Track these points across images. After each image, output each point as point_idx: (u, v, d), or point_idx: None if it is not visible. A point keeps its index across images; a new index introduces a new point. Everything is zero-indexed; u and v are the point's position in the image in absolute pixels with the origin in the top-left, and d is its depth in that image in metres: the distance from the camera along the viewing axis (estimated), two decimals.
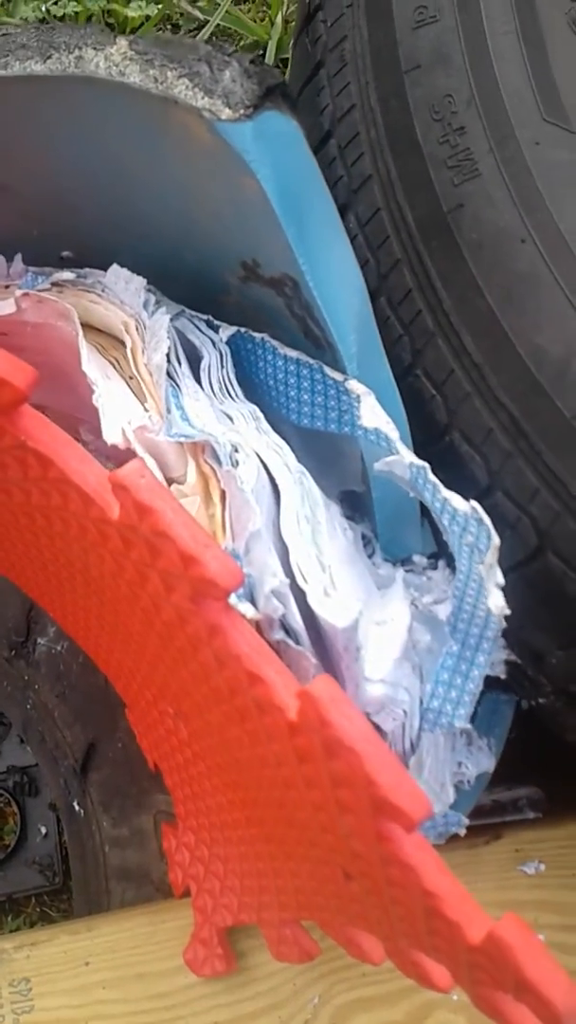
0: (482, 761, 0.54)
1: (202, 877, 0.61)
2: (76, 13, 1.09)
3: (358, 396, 0.39)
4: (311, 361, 0.41)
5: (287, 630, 0.35)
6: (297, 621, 0.35)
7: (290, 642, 0.35)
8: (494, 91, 0.45)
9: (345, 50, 0.49)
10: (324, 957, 0.60)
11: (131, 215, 0.42)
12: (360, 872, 0.34)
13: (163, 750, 0.60)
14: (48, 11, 1.09)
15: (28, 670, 0.73)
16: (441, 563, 0.49)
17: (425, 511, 0.48)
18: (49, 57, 0.36)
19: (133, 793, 0.70)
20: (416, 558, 0.49)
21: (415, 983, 0.61)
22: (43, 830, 0.91)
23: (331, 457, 0.44)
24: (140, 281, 0.42)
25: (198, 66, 0.34)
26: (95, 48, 0.35)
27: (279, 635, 0.35)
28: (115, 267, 0.43)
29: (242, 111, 0.33)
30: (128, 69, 0.35)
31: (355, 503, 0.48)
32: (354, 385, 0.40)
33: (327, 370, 0.40)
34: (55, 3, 1.10)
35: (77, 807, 0.71)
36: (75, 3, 1.09)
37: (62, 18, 1.09)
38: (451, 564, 0.49)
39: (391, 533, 0.48)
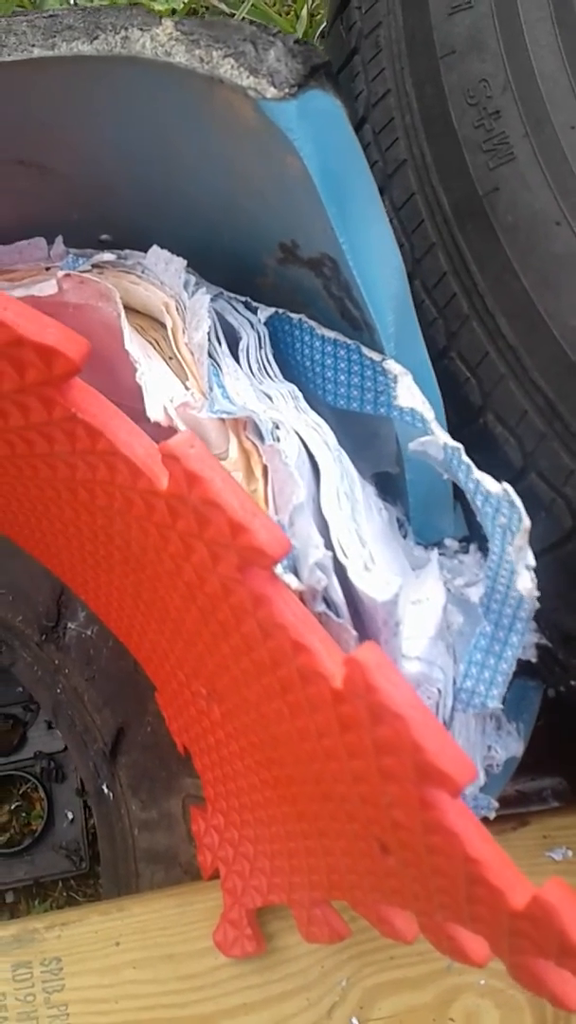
0: (511, 745, 0.54)
1: (231, 859, 0.62)
2: (101, 7, 1.09)
3: (395, 376, 0.40)
4: (348, 341, 0.41)
5: (328, 603, 0.36)
6: (338, 594, 0.35)
7: (331, 615, 0.36)
8: (529, 76, 0.45)
9: (380, 36, 0.49)
10: (353, 940, 0.60)
11: (171, 196, 0.43)
12: (400, 843, 0.35)
13: (194, 732, 0.61)
14: (75, 3, 1.10)
15: (58, 654, 0.74)
16: (472, 547, 0.49)
17: (457, 494, 0.48)
18: (96, 38, 0.36)
19: (162, 777, 0.70)
20: (448, 541, 0.49)
21: (443, 968, 0.62)
22: (70, 815, 0.92)
23: (365, 438, 0.45)
24: (180, 262, 0.42)
25: (243, 46, 0.35)
26: (141, 29, 0.36)
27: (321, 607, 0.36)
28: (155, 248, 0.43)
29: (287, 90, 0.34)
30: (174, 49, 0.35)
31: (388, 486, 0.48)
32: (391, 365, 0.40)
33: (364, 350, 0.41)
34: None
35: (106, 790, 0.71)
36: None
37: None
38: (483, 548, 0.50)
39: (424, 516, 0.48)
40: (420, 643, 0.38)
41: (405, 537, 0.48)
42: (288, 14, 1.11)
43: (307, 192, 0.36)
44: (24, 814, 0.94)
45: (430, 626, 0.39)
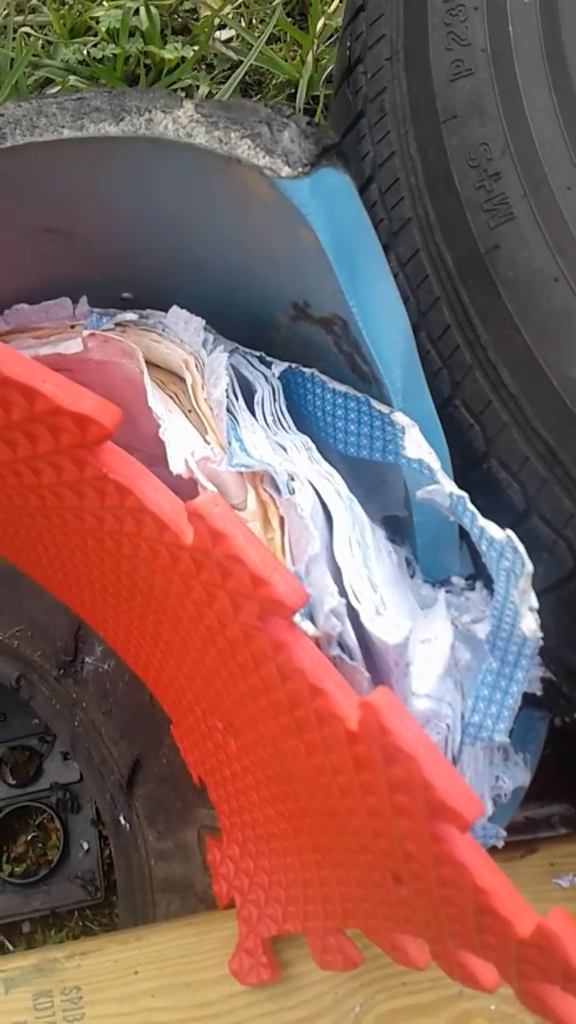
0: (518, 775, 0.56)
1: (247, 888, 0.64)
2: (115, 55, 1.13)
3: (403, 428, 0.42)
4: (358, 395, 0.43)
5: (341, 646, 0.38)
6: (352, 638, 0.37)
7: (345, 658, 0.38)
8: (527, 140, 0.47)
9: (385, 101, 0.52)
10: (366, 967, 0.62)
11: (189, 261, 0.45)
12: (412, 874, 0.37)
13: (209, 764, 0.62)
14: (88, 53, 1.13)
15: (76, 688, 0.76)
16: (479, 584, 0.51)
17: (463, 534, 0.50)
18: (121, 119, 0.39)
19: (177, 808, 0.72)
20: (455, 579, 0.51)
21: (454, 994, 0.63)
22: (85, 846, 0.93)
23: (375, 484, 0.47)
24: (199, 322, 0.45)
25: (259, 127, 0.37)
26: (163, 111, 0.39)
27: (336, 651, 0.38)
28: (175, 308, 0.46)
29: (300, 169, 0.36)
30: (195, 131, 0.38)
31: (396, 527, 0.50)
32: (399, 417, 0.42)
33: (374, 403, 0.43)
34: (94, 46, 1.15)
35: (123, 821, 0.73)
36: (113, 45, 1.14)
37: (101, 60, 1.13)
38: (488, 585, 0.52)
39: (431, 556, 0.50)
40: (429, 680, 0.40)
41: (413, 576, 0.50)
42: (294, 59, 1.15)
43: (318, 260, 0.39)
44: (40, 844, 0.95)
45: (439, 664, 0.41)
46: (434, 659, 0.41)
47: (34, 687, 0.77)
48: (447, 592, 0.50)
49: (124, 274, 0.48)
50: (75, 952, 0.65)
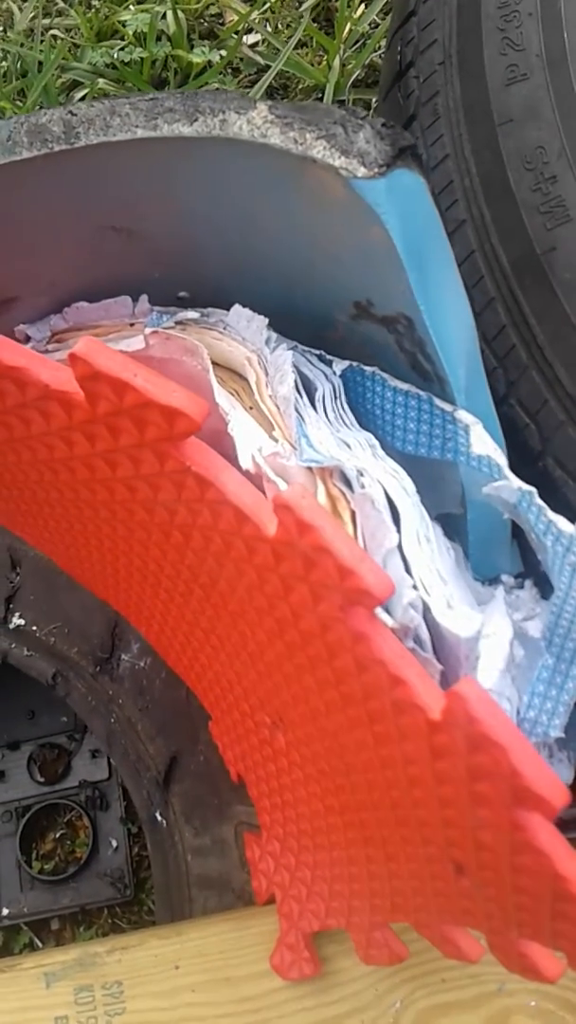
0: (563, 772, 0.56)
1: (287, 884, 0.64)
2: (142, 59, 1.14)
3: (467, 425, 0.43)
4: (420, 393, 0.44)
5: (415, 639, 0.38)
6: (424, 631, 0.38)
7: (419, 649, 0.38)
8: None
9: (438, 104, 0.53)
10: (405, 963, 0.62)
11: (252, 259, 0.46)
12: (480, 864, 0.37)
13: (252, 760, 0.63)
14: (116, 57, 1.14)
15: (112, 685, 0.76)
16: (528, 582, 0.52)
17: (515, 532, 0.51)
18: (195, 120, 0.39)
19: (214, 804, 0.73)
20: (504, 577, 0.52)
21: (493, 990, 0.63)
22: (114, 843, 0.93)
23: (431, 481, 0.47)
24: (262, 320, 0.45)
25: (334, 128, 0.38)
26: (237, 112, 0.39)
27: (411, 643, 0.38)
28: (237, 307, 0.46)
29: (376, 169, 0.37)
30: (269, 131, 0.38)
31: (449, 524, 0.51)
32: (463, 415, 0.43)
33: (437, 401, 0.44)
34: (122, 49, 1.16)
35: (159, 818, 0.74)
36: (141, 49, 1.15)
37: (129, 64, 1.14)
38: (538, 583, 0.52)
39: (482, 553, 0.51)
40: (492, 675, 0.41)
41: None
42: (320, 64, 1.16)
43: (389, 259, 0.39)
44: (69, 842, 0.96)
45: (499, 659, 0.42)
46: (495, 654, 0.42)
47: (70, 684, 0.77)
48: (495, 589, 0.51)
49: (183, 272, 0.48)
50: (116, 947, 0.66)
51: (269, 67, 1.13)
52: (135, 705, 0.75)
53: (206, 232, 0.45)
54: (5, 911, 0.92)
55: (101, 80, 1.13)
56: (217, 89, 1.10)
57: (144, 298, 0.49)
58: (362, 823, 0.49)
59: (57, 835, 0.96)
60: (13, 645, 0.79)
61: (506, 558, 0.51)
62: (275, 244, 0.44)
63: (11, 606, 0.79)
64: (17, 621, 0.79)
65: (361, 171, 0.37)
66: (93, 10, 1.21)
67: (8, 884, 0.92)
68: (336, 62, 1.12)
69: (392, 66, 0.58)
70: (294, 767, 0.55)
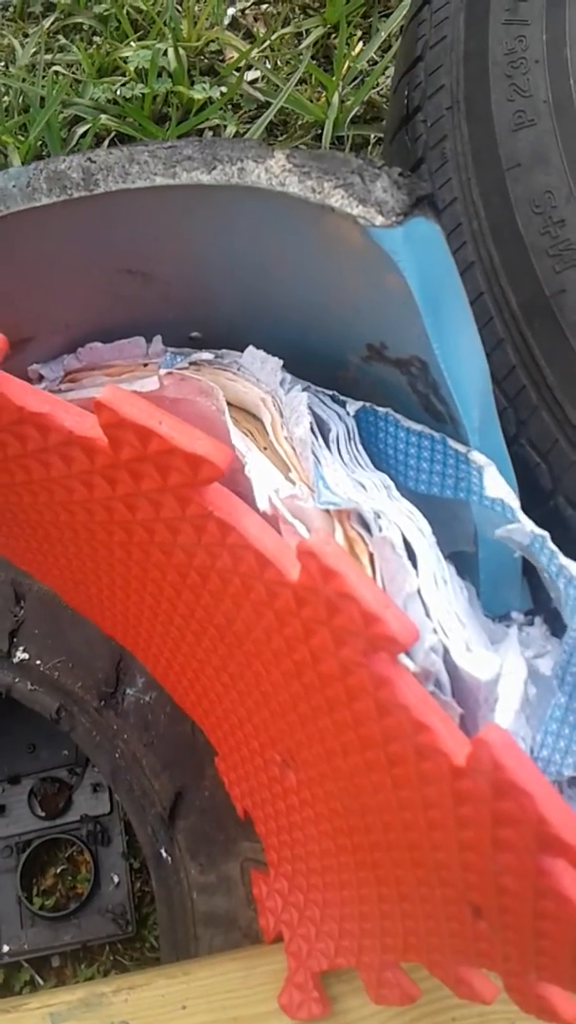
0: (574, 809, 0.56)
1: (296, 923, 0.64)
2: (143, 95, 1.16)
3: (480, 467, 0.43)
4: (434, 434, 0.44)
5: (435, 682, 0.39)
6: (444, 674, 0.38)
7: (439, 693, 0.38)
8: None
9: (446, 148, 0.53)
10: (416, 1003, 0.61)
11: (265, 303, 0.46)
12: (501, 909, 0.37)
13: (259, 798, 0.63)
14: (118, 93, 1.16)
15: (117, 720, 0.76)
16: (538, 619, 0.52)
17: (525, 570, 0.51)
18: (214, 168, 0.40)
19: (220, 840, 0.72)
20: (514, 614, 0.52)
21: None
22: (115, 879, 0.93)
23: (444, 521, 0.48)
24: (276, 362, 0.46)
25: (351, 177, 0.38)
26: (255, 160, 0.40)
27: (431, 687, 0.38)
28: (251, 349, 0.47)
29: (394, 218, 0.37)
30: (287, 180, 0.39)
31: (459, 562, 0.51)
32: (477, 456, 0.43)
33: (450, 442, 0.44)
34: (123, 85, 1.17)
35: (164, 854, 0.73)
36: (142, 85, 1.16)
37: (130, 99, 1.16)
38: (548, 620, 0.52)
39: (492, 591, 0.51)
40: (508, 716, 0.41)
41: None
42: (319, 100, 1.18)
43: (404, 304, 0.40)
44: (70, 877, 0.95)
45: (515, 699, 0.42)
46: (510, 694, 0.42)
47: (74, 718, 0.77)
48: (506, 627, 0.51)
49: (197, 314, 0.49)
50: (122, 986, 0.65)
51: (269, 103, 1.15)
52: (140, 740, 0.75)
53: (221, 276, 0.45)
54: (6, 948, 0.91)
55: (103, 116, 1.15)
56: (235, 138, 1.12)
57: (158, 339, 0.49)
58: (375, 863, 0.49)
59: (58, 870, 0.95)
60: (17, 679, 0.78)
61: (516, 595, 0.51)
62: (289, 288, 0.45)
63: (15, 640, 0.79)
64: (21, 655, 0.78)
65: (379, 220, 0.37)
66: (95, 46, 1.23)
67: (8, 920, 0.91)
68: (335, 99, 1.13)
69: (399, 110, 0.59)
70: (305, 805, 0.55)
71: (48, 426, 0.35)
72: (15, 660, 0.78)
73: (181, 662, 0.59)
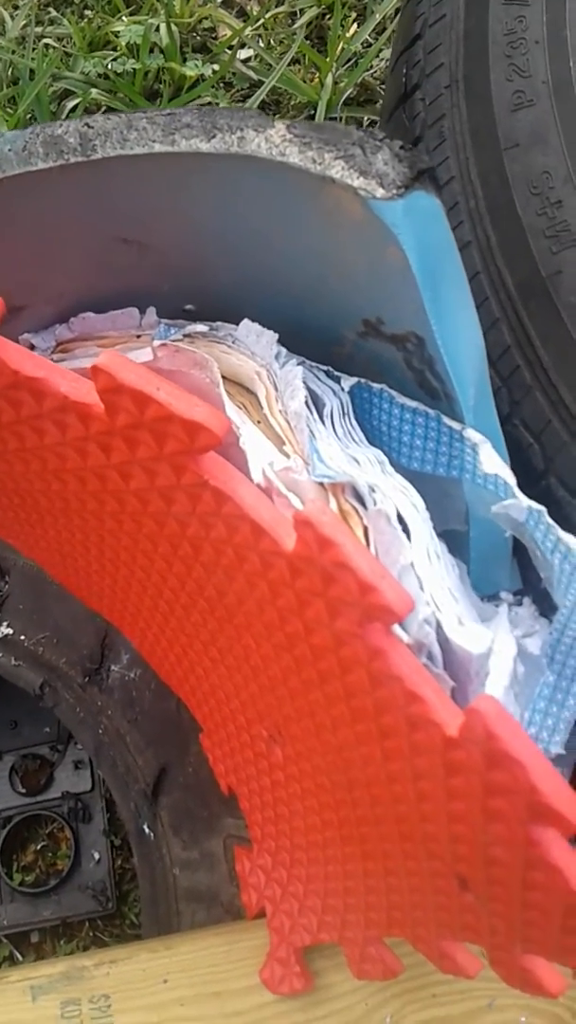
0: None
1: (279, 898, 0.64)
2: (135, 70, 1.14)
3: (475, 444, 0.43)
4: (429, 411, 0.45)
5: (427, 655, 0.39)
6: (436, 647, 0.38)
7: (432, 665, 0.39)
8: None
9: (444, 127, 0.53)
10: (397, 978, 0.62)
11: (262, 275, 0.46)
12: (489, 880, 0.37)
13: (244, 774, 0.63)
14: (109, 67, 1.15)
15: (101, 696, 0.76)
16: (527, 599, 0.53)
17: (515, 550, 0.52)
18: (213, 136, 0.40)
19: (203, 817, 0.72)
20: (503, 594, 0.52)
21: (483, 1006, 0.64)
22: (96, 856, 0.93)
23: (436, 498, 0.48)
24: (272, 335, 0.45)
25: (352, 149, 0.38)
26: (255, 130, 0.40)
27: (424, 659, 0.38)
28: (246, 322, 0.47)
29: (394, 191, 0.37)
30: (288, 150, 0.39)
31: (450, 541, 0.51)
32: (471, 434, 0.43)
33: (445, 419, 0.44)
34: (115, 60, 1.16)
35: (147, 830, 0.73)
36: (134, 61, 1.15)
37: (121, 75, 1.14)
38: (536, 600, 0.53)
39: (483, 570, 0.51)
40: (499, 691, 0.41)
41: None
42: (313, 81, 1.17)
43: (403, 278, 0.40)
44: (50, 854, 0.95)
45: (504, 675, 0.42)
46: (500, 670, 0.42)
47: (58, 694, 0.77)
48: (495, 606, 0.51)
49: (192, 286, 0.49)
50: (104, 960, 0.65)
51: (261, 82, 1.14)
52: (124, 717, 0.75)
53: (217, 247, 0.45)
54: None
55: (94, 90, 1.13)
56: (235, 107, 1.11)
57: (152, 310, 0.49)
58: (362, 837, 0.49)
59: (38, 847, 0.95)
60: (0, 655, 0.78)
61: (506, 575, 0.51)
62: (286, 261, 0.45)
63: None
64: (5, 631, 0.78)
65: (379, 192, 0.37)
66: (86, 20, 1.21)
67: None
68: (328, 80, 1.13)
69: (397, 88, 0.58)
70: (291, 781, 0.55)
71: (43, 391, 0.35)
72: None
73: (168, 637, 0.59)
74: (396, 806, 0.41)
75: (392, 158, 0.38)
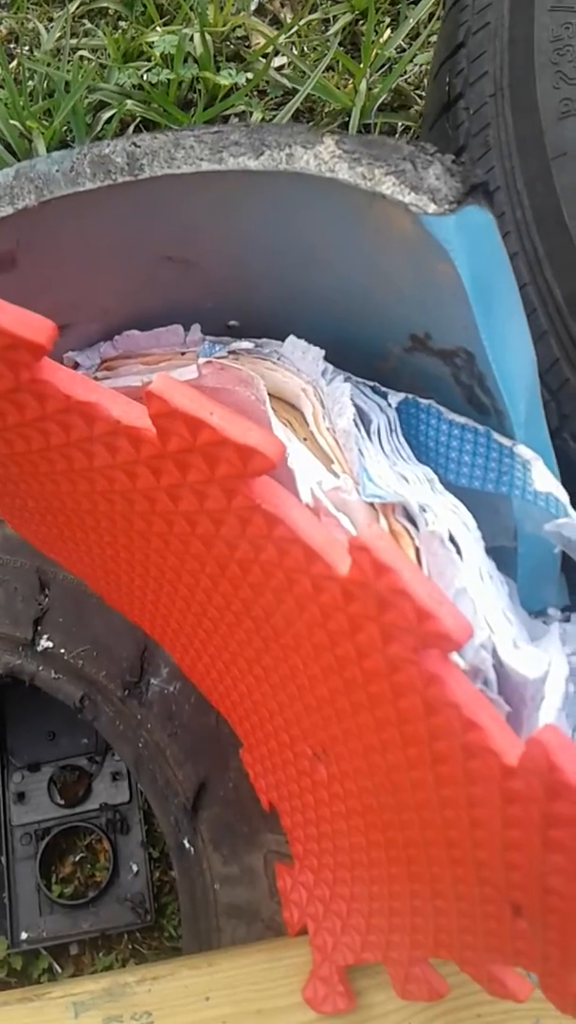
0: None
1: (321, 916, 0.63)
2: (169, 80, 1.15)
3: (526, 461, 0.42)
4: (478, 427, 0.44)
5: (483, 680, 0.38)
6: (492, 672, 0.38)
7: (487, 691, 0.38)
8: None
9: (489, 136, 0.53)
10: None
11: (307, 291, 0.46)
12: (546, 908, 0.37)
13: (287, 791, 0.62)
14: (143, 77, 1.15)
15: (141, 710, 0.76)
16: (575, 616, 0.52)
17: (563, 566, 0.51)
18: (261, 154, 0.39)
19: (244, 832, 0.72)
20: (551, 611, 0.52)
21: None
22: (134, 868, 0.93)
23: (482, 515, 0.47)
24: (318, 351, 0.45)
25: (403, 164, 0.38)
26: (304, 146, 0.39)
27: (479, 684, 0.38)
28: (292, 338, 0.46)
29: (447, 206, 0.37)
30: (337, 166, 0.38)
31: (496, 557, 0.50)
32: (523, 450, 0.43)
33: (495, 435, 0.43)
34: (149, 70, 1.16)
35: (187, 845, 0.73)
36: (168, 71, 1.15)
37: (156, 85, 1.15)
38: None
39: (530, 586, 0.50)
40: (551, 714, 0.40)
41: None
42: (346, 87, 1.16)
43: (454, 294, 0.39)
44: (88, 866, 0.95)
45: (558, 699, 0.41)
46: (553, 691, 0.41)
47: (98, 707, 0.77)
48: (543, 623, 0.50)
49: (236, 302, 0.48)
50: (146, 977, 0.65)
51: (295, 90, 1.14)
52: (164, 730, 0.75)
53: (264, 264, 0.45)
54: (24, 935, 0.91)
55: (129, 101, 1.14)
56: (283, 123, 1.11)
57: (196, 327, 0.49)
58: (409, 859, 0.48)
59: (76, 858, 0.95)
60: (41, 667, 0.78)
61: (555, 591, 0.51)
62: (333, 276, 0.44)
63: (39, 628, 0.78)
64: (45, 643, 0.78)
65: (431, 207, 0.37)
66: (120, 31, 1.22)
67: (27, 908, 0.92)
68: (362, 86, 1.12)
69: (439, 96, 0.58)
70: (335, 800, 0.54)
71: (95, 415, 0.35)
72: (39, 648, 0.78)
73: (211, 654, 0.58)
74: (447, 831, 0.41)
75: (444, 173, 0.37)
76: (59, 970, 0.91)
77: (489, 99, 0.53)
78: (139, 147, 0.41)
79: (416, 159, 0.38)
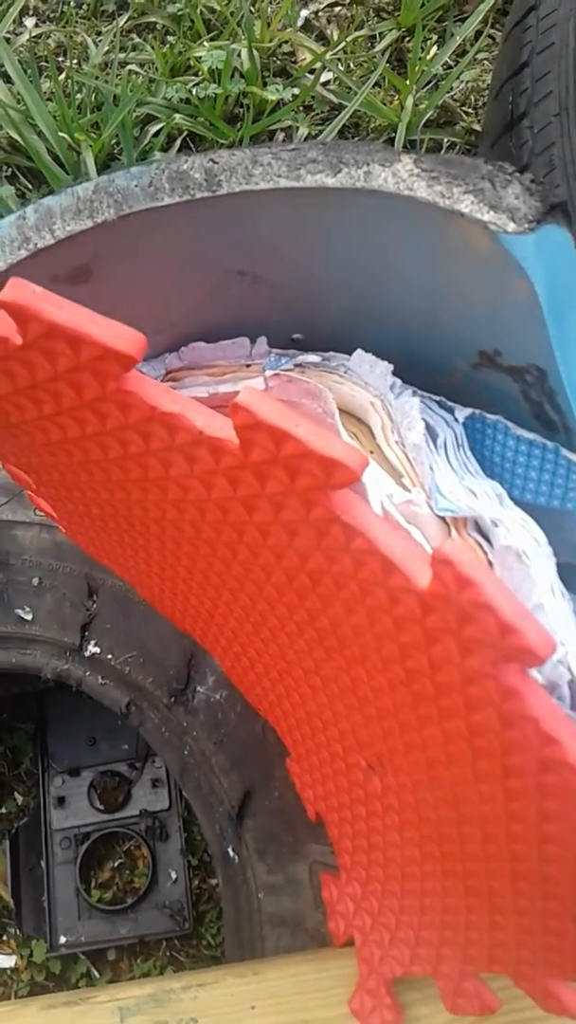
0: None
1: (368, 928, 0.63)
2: (216, 95, 1.16)
3: None
4: (547, 443, 0.44)
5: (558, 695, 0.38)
6: (566, 687, 0.38)
7: (562, 706, 0.38)
8: None
9: (554, 155, 0.53)
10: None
11: (376, 306, 0.46)
12: None
13: (336, 801, 0.62)
14: (192, 92, 1.16)
15: (187, 717, 0.76)
16: None
17: None
18: (339, 171, 0.40)
19: (289, 842, 0.72)
20: None
21: None
22: (173, 875, 0.93)
23: (547, 530, 0.47)
24: (386, 366, 0.45)
25: (481, 183, 0.38)
26: (382, 164, 0.40)
27: (555, 700, 0.38)
28: (360, 352, 0.47)
29: (526, 225, 0.37)
30: (415, 185, 0.39)
31: (560, 573, 0.50)
32: None
33: (563, 451, 0.44)
34: (197, 85, 1.17)
35: (232, 853, 0.73)
36: (216, 85, 1.16)
37: (203, 99, 1.16)
38: None
39: None
40: None
41: None
42: (392, 103, 1.17)
43: (529, 312, 0.39)
44: (127, 872, 0.96)
45: None
46: None
47: (144, 714, 0.78)
48: None
49: (302, 316, 0.49)
50: (191, 983, 0.65)
51: (341, 105, 1.15)
52: (209, 738, 0.75)
53: (335, 279, 0.45)
54: (63, 939, 0.91)
55: (177, 115, 1.15)
56: (361, 141, 1.12)
57: (263, 340, 0.49)
58: (467, 873, 0.48)
59: (115, 864, 0.96)
60: (88, 673, 0.79)
61: None
62: (403, 292, 0.44)
63: (87, 634, 0.79)
64: (93, 649, 0.79)
65: (511, 226, 0.37)
66: (168, 45, 1.23)
67: (66, 912, 0.92)
68: (409, 102, 1.13)
69: (502, 115, 0.58)
70: (389, 811, 0.55)
71: (178, 426, 0.35)
72: (86, 654, 0.79)
73: (265, 662, 0.59)
74: (513, 845, 0.41)
75: (523, 192, 0.38)
76: (97, 975, 0.92)
77: (554, 118, 0.53)
78: (217, 163, 0.42)
79: (495, 178, 0.38)
